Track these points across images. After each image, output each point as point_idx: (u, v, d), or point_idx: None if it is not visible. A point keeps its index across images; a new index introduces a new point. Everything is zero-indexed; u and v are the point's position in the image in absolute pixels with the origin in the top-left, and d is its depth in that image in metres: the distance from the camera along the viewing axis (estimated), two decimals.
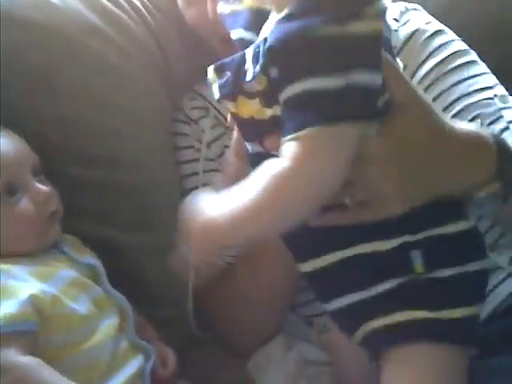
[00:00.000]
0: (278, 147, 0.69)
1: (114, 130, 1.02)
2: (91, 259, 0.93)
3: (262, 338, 1.03)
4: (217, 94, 0.75)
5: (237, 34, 0.79)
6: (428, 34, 1.01)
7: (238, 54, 0.73)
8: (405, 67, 0.98)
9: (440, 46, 1.00)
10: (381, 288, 0.75)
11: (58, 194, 0.91)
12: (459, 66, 0.99)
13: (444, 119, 0.75)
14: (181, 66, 1.13)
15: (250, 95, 0.72)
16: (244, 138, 0.79)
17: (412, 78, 0.98)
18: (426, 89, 0.97)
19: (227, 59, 0.74)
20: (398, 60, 0.78)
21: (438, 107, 0.76)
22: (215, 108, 1.10)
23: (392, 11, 1.03)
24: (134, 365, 0.86)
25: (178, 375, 0.92)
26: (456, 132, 0.75)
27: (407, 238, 0.75)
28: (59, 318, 0.82)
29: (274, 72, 0.68)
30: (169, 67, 1.11)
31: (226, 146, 1.09)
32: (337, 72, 0.65)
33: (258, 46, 0.70)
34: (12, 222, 0.86)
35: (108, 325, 0.87)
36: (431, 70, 0.98)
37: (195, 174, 1.10)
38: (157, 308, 1.03)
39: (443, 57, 0.99)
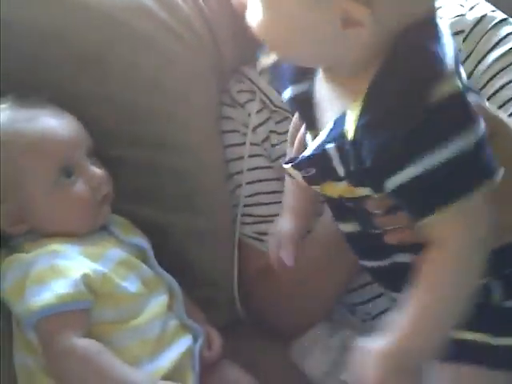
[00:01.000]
0: (390, 224, 0.71)
1: (163, 111, 1.03)
2: (139, 239, 0.94)
3: (306, 324, 1.03)
4: (303, 183, 0.75)
5: (287, 93, 0.78)
6: (496, 21, 1.01)
7: (318, 153, 0.70)
8: (470, 54, 0.99)
9: (508, 35, 1.00)
10: None
11: (109, 176, 0.92)
12: None
13: None
14: (230, 49, 1.13)
15: (338, 179, 0.71)
16: (336, 216, 0.80)
17: (479, 63, 0.99)
18: (494, 76, 0.98)
19: (304, 157, 0.72)
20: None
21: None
22: (262, 91, 1.10)
23: None
24: (183, 343, 0.88)
25: (223, 357, 0.93)
26: None
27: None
28: (109, 296, 0.84)
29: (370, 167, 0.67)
30: (218, 50, 1.11)
31: (272, 131, 1.09)
32: (438, 146, 0.62)
33: (343, 144, 0.68)
34: (67, 204, 0.88)
35: (157, 303, 0.88)
36: (499, 58, 0.98)
37: (240, 158, 1.10)
38: (199, 289, 1.03)
39: (511, 46, 0.99)
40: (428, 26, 0.67)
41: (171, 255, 1.01)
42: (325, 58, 0.71)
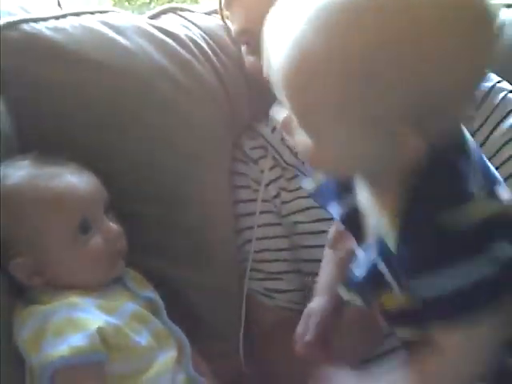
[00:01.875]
0: None
1: (177, 170, 1.06)
2: (151, 293, 0.96)
3: None
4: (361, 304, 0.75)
5: (335, 211, 0.78)
6: (505, 91, 1.03)
7: (368, 269, 0.71)
8: (483, 123, 1.01)
9: None
10: None
11: (123, 231, 0.95)
12: None
13: None
14: (243, 107, 1.16)
15: (393, 289, 0.71)
16: (394, 327, 0.78)
17: (490, 134, 1.01)
18: (504, 145, 1.00)
19: (354, 276, 0.73)
20: None
21: None
22: (274, 148, 1.13)
23: None
24: None
25: None
26: None
27: None
28: (122, 349, 0.85)
29: None
30: (232, 108, 1.15)
31: (282, 188, 1.12)
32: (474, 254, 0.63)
33: (390, 259, 0.68)
34: (83, 258, 0.90)
35: (166, 357, 0.90)
36: (510, 127, 1.01)
37: (251, 214, 1.13)
38: (206, 343, 1.03)
39: None
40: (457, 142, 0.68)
41: (180, 308, 1.02)
42: (370, 171, 0.70)
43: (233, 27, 1.09)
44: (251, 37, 1.04)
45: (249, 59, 1.09)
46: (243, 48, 1.10)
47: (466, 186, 0.65)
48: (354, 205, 0.75)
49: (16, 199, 0.89)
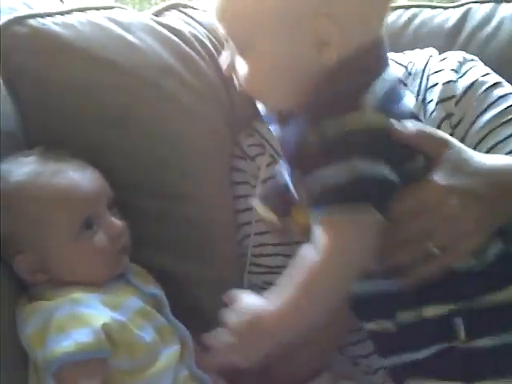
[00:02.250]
0: None
1: (180, 165, 1.07)
2: (155, 289, 0.98)
3: (307, 375, 1.07)
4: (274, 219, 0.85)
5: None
6: (487, 85, 1.03)
7: (274, 181, 0.83)
8: (462, 118, 1.02)
9: (499, 98, 1.01)
10: (427, 352, 0.80)
11: (127, 226, 0.96)
12: None
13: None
14: (243, 105, 1.17)
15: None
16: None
17: (470, 128, 1.01)
18: (482, 139, 1.00)
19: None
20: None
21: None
22: (271, 146, 1.14)
23: (450, 61, 1.06)
24: None
25: None
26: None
27: (453, 306, 0.79)
28: (126, 345, 0.87)
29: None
30: (232, 106, 1.15)
31: None
32: (337, 161, 0.72)
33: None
34: (87, 254, 0.91)
35: (169, 353, 0.91)
36: (489, 121, 1.00)
37: (248, 209, 1.13)
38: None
39: (501, 109, 1.01)
40: (373, 56, 0.78)
41: (182, 303, 1.04)
42: (301, 95, 0.78)
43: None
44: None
45: None
46: None
47: (360, 97, 0.73)
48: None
49: (20, 196, 0.90)
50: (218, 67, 1.13)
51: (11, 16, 0.98)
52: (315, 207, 0.75)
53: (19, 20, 0.98)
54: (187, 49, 1.10)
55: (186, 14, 1.18)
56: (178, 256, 1.08)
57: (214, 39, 1.16)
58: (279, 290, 0.77)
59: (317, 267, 0.74)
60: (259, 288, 1.11)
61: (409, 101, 0.87)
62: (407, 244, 0.78)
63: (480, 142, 1.00)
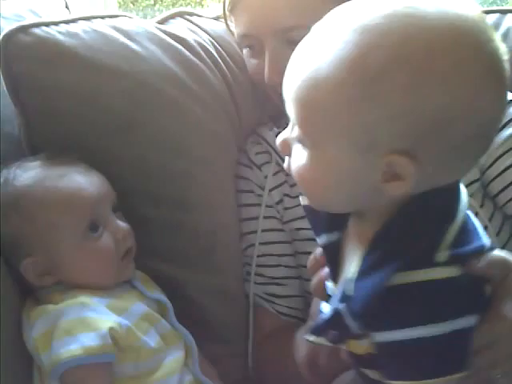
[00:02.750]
0: None
1: (184, 172, 1.07)
2: (160, 295, 0.98)
3: None
4: (329, 344, 0.73)
5: (322, 239, 0.75)
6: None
7: (330, 314, 0.69)
8: None
9: None
10: None
11: (132, 230, 0.96)
12: None
13: None
14: (249, 113, 1.18)
15: (359, 336, 0.70)
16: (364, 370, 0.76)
17: None
18: (500, 157, 1.00)
19: (320, 321, 0.71)
20: None
21: None
22: (278, 154, 1.14)
23: None
24: None
25: None
26: None
27: None
28: (131, 350, 0.87)
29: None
30: (238, 114, 1.16)
31: (285, 194, 1.13)
32: (419, 321, 0.64)
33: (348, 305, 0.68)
34: (93, 257, 0.91)
35: (174, 359, 0.92)
36: (506, 139, 1.00)
37: (254, 218, 1.14)
38: (211, 345, 1.06)
39: None
40: (450, 191, 0.68)
41: (186, 311, 1.04)
42: (353, 205, 0.70)
43: (236, 30, 1.10)
44: (254, 40, 1.06)
45: (251, 62, 1.11)
46: (245, 51, 1.12)
47: (435, 249, 0.65)
48: (337, 242, 0.74)
49: (26, 200, 0.90)
50: (223, 75, 1.14)
51: (16, 25, 0.98)
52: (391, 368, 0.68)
53: (23, 29, 0.98)
54: (192, 57, 1.10)
55: (191, 21, 1.19)
56: (183, 264, 1.08)
57: (219, 47, 1.17)
58: None
59: None
60: (260, 298, 1.12)
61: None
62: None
63: (497, 159, 1.00)
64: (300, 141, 0.68)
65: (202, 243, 1.09)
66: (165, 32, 1.10)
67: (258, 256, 1.12)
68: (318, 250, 0.78)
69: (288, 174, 1.09)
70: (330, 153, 0.65)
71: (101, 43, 1.02)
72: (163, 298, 0.97)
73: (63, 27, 1.01)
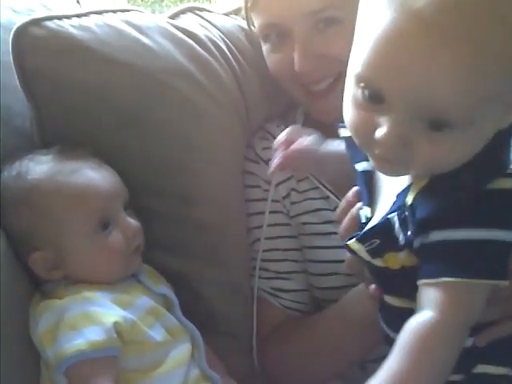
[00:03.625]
0: None
1: (191, 166, 1.08)
2: (166, 289, 0.98)
3: (318, 382, 1.08)
4: (366, 257, 0.78)
5: (361, 165, 0.83)
6: None
7: (382, 223, 0.75)
8: None
9: None
10: None
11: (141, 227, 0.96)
12: None
13: None
14: (258, 109, 1.18)
15: (399, 249, 0.74)
16: (389, 290, 0.81)
17: None
18: None
19: (368, 229, 0.77)
20: None
21: None
22: None
23: None
24: None
25: None
26: None
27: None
28: (136, 344, 0.87)
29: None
30: (247, 110, 1.16)
31: (293, 189, 1.14)
32: (480, 226, 0.69)
33: (403, 213, 0.72)
34: (103, 253, 0.92)
35: (180, 353, 0.92)
36: None
37: (260, 213, 1.14)
38: (217, 339, 1.07)
39: None
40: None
41: (194, 304, 1.06)
42: None
43: (259, 21, 1.08)
44: (280, 29, 1.05)
45: (273, 57, 1.10)
46: (266, 47, 1.11)
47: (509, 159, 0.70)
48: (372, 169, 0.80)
49: (37, 193, 0.91)
50: (233, 70, 1.15)
51: (29, 18, 0.99)
52: (436, 266, 0.71)
53: (36, 22, 0.99)
54: (202, 52, 1.10)
55: (201, 17, 1.19)
56: (190, 258, 1.09)
57: (229, 43, 1.17)
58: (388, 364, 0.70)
59: (432, 328, 0.69)
60: (265, 293, 1.12)
61: None
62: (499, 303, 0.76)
63: None
64: (446, 124, 0.64)
65: (207, 237, 1.09)
66: (176, 27, 1.11)
67: (264, 251, 1.13)
68: (350, 193, 0.85)
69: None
70: (482, 123, 0.66)
71: (113, 37, 1.03)
72: (169, 292, 0.98)
73: (75, 21, 1.02)
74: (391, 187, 0.78)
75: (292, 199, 1.13)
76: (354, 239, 0.77)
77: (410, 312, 0.72)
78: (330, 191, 1.10)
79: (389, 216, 0.74)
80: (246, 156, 1.18)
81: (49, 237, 0.90)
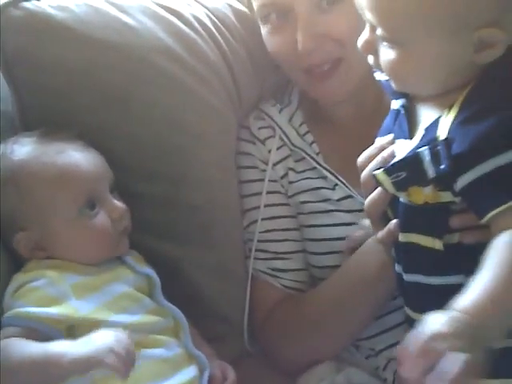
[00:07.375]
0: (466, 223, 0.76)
1: (181, 148, 1.06)
2: (149, 270, 0.96)
3: (314, 361, 1.05)
4: (391, 189, 0.80)
5: (400, 101, 0.87)
6: None
7: (411, 156, 0.77)
8: None
9: None
10: None
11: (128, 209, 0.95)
12: None
13: None
14: (249, 88, 1.15)
15: (425, 184, 0.77)
16: (409, 228, 0.82)
17: None
18: None
19: (397, 161, 0.79)
20: None
21: None
22: (281, 129, 1.12)
23: None
24: (187, 373, 0.89)
25: None
26: None
27: None
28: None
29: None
30: (237, 89, 1.13)
31: (290, 168, 1.11)
32: None
33: (436, 147, 0.74)
34: (88, 234, 0.91)
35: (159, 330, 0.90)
36: None
37: (256, 194, 1.12)
38: (209, 323, 1.06)
39: None
40: None
41: (183, 288, 1.04)
42: (445, 86, 0.79)
43: (257, 1, 1.06)
44: (281, 7, 1.02)
45: (274, 39, 1.07)
46: (265, 29, 1.07)
47: None
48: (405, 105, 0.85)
49: (23, 173, 0.90)
50: (219, 48, 1.12)
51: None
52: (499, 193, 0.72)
53: (14, 3, 0.98)
54: (187, 30, 1.08)
55: None
56: (179, 241, 1.07)
57: (216, 19, 1.14)
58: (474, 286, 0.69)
59: None
60: (264, 274, 1.10)
61: None
62: None
63: None
64: (386, 39, 0.77)
65: (198, 219, 1.07)
66: (159, 5, 1.08)
67: (262, 232, 1.11)
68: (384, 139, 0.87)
69: (292, 150, 1.09)
70: (421, 45, 0.75)
71: (92, 16, 1.01)
72: (152, 272, 0.96)
73: (54, 1, 1.01)
74: (419, 121, 0.82)
75: (290, 178, 1.11)
76: (382, 170, 0.79)
77: (430, 251, 0.77)
78: (338, 179, 1.08)
79: (419, 150, 0.76)
80: (241, 137, 1.15)
81: (34, 217, 0.90)
